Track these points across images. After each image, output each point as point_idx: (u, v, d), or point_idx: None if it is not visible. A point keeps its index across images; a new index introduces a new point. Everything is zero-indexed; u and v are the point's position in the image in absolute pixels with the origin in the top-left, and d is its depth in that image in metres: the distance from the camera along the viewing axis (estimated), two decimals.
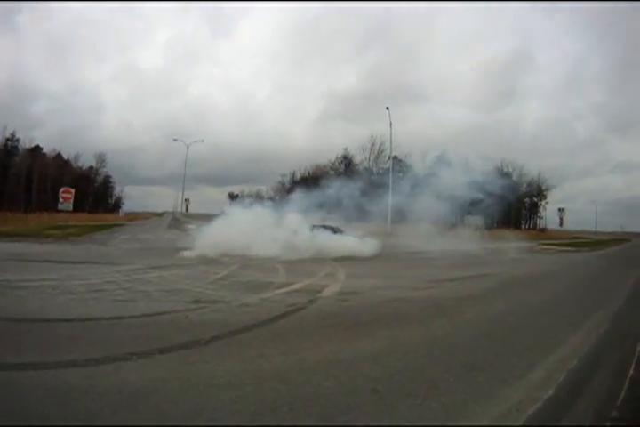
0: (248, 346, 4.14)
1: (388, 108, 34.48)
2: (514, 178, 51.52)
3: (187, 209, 43.54)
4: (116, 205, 67.63)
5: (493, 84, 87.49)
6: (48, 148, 55.67)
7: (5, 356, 3.70)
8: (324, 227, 17.08)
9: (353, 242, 15.91)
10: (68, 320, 5.05)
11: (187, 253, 12.59)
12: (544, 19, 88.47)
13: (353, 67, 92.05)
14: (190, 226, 26.19)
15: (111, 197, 69.09)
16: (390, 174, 35.02)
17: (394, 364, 3.74)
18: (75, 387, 3.12)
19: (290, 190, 36.85)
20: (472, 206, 26.15)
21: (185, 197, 45.65)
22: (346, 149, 60.26)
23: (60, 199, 29.69)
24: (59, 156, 55.75)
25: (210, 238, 14.13)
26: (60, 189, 32.34)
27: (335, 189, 22.30)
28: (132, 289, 7.10)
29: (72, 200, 29.11)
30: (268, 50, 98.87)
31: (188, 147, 41.26)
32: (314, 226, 16.86)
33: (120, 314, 5.40)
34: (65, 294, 6.61)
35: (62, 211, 29.63)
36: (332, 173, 58.18)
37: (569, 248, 23.31)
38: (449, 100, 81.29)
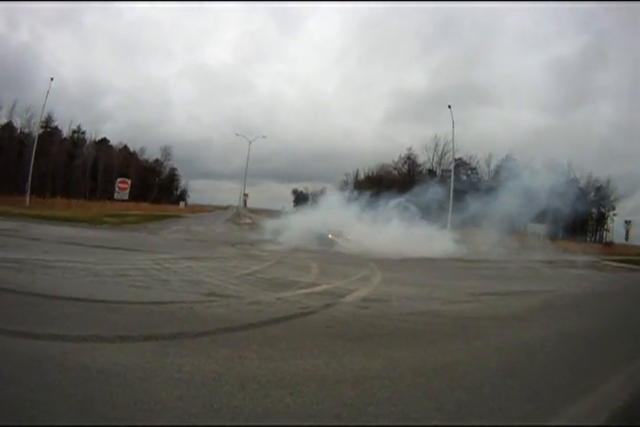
0: (233, 345, 4.09)
1: (449, 107, 33.58)
2: (581, 185, 47.44)
3: (245, 204, 44.93)
4: (181, 198, 71.48)
5: (563, 84, 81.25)
6: (116, 141, 60.45)
7: (7, 323, 4.14)
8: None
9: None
10: (79, 299, 5.43)
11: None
12: (617, 16, 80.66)
13: (420, 66, 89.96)
14: (247, 220, 27.01)
15: (176, 189, 73.22)
16: (452, 176, 34.01)
17: (375, 392, 3.32)
18: (49, 358, 3.41)
19: (354, 189, 37.07)
20: (536, 213, 24.67)
21: (248, 191, 47.24)
22: (409, 148, 59.07)
23: (117, 189, 32.06)
24: (125, 148, 60.37)
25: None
26: (128, 179, 34.65)
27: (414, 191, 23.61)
28: (154, 277, 7.43)
29: (128, 190, 31.37)
30: (334, 47, 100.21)
31: (250, 142, 42.73)
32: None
33: (130, 299, 5.69)
34: (90, 276, 7.13)
35: (118, 200, 31.65)
36: (396, 172, 57.26)
37: (635, 266, 21.14)
38: (516, 101, 76.93)
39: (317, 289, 7.57)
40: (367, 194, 23.92)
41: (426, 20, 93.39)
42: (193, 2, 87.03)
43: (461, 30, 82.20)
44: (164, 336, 4.18)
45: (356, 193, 25.65)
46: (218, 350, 3.93)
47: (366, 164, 64.39)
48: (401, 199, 21.99)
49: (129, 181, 32.34)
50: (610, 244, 45.46)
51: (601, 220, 54.05)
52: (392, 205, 21.37)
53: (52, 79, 31.88)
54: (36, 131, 37.21)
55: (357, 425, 2.74)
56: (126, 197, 31.22)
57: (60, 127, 51.87)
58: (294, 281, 8.11)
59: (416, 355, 4.35)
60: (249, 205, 57.85)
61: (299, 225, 18.63)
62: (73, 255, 9.00)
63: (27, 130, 45.34)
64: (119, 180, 33.13)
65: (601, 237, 54.13)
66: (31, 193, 31.56)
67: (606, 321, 7.23)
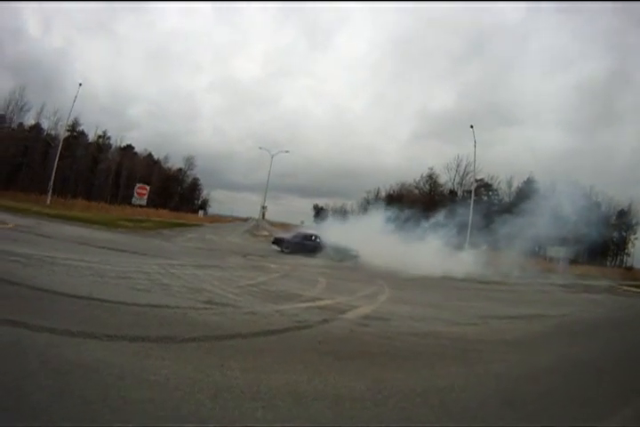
0: (217, 354, 4.10)
1: (472, 127, 33.39)
2: (602, 209, 46.47)
3: (263, 216, 45.28)
4: (202, 207, 72.75)
5: (587, 106, 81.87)
6: (141, 148, 62.85)
7: (5, 314, 4.31)
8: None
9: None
10: (77, 297, 5.61)
11: None
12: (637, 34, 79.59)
13: (447, 85, 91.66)
14: (264, 233, 27.38)
15: (197, 198, 74.91)
16: (472, 197, 33.76)
17: (354, 413, 3.18)
18: (33, 348, 3.58)
19: (374, 206, 37.43)
20: (557, 237, 24.45)
21: (268, 204, 47.72)
22: (431, 168, 59.08)
23: (135, 194, 32.73)
24: (149, 156, 62.72)
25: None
26: (147, 185, 35.43)
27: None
28: (157, 281, 7.57)
29: (146, 196, 31.90)
30: (363, 64, 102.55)
31: (272, 156, 43.29)
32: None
33: (127, 300, 5.81)
34: (94, 275, 7.33)
35: (136, 205, 32.33)
36: (417, 191, 57.11)
37: None
38: (540, 122, 77.22)
39: (319, 304, 7.55)
40: (391, 211, 24.61)
41: (455, 37, 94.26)
42: (225, 14, 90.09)
43: (489, 50, 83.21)
44: (151, 339, 4.26)
45: (381, 209, 26.18)
46: (201, 356, 3.96)
47: (389, 182, 64.73)
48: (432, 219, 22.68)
49: (148, 187, 33.07)
50: (630, 268, 44.31)
51: (622, 244, 53.04)
52: (414, 223, 22.01)
53: (80, 84, 33.14)
54: (62, 133, 38.66)
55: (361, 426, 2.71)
56: (144, 202, 31.87)
57: (86, 132, 54.34)
58: (297, 295, 8.13)
59: (408, 377, 4.18)
60: (269, 217, 58.23)
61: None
62: (81, 255, 9.26)
63: (53, 132, 47.54)
64: (138, 185, 33.94)
65: (621, 261, 53.05)
66: (53, 193, 32.65)
67: (617, 349, 6.95)
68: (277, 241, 20.15)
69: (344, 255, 18.81)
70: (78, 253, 9.40)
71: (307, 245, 19.54)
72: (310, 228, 25.84)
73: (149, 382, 3.21)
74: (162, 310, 5.54)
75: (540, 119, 76.56)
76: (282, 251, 18.96)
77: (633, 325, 10.32)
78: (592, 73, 77.56)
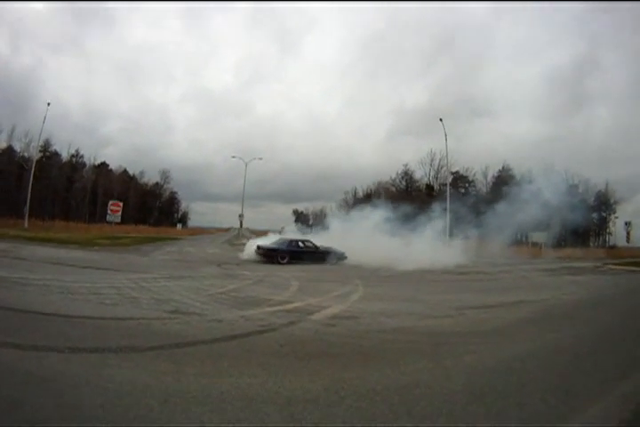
0: (175, 361, 4.20)
1: (441, 120, 34.26)
2: (580, 191, 47.62)
3: (241, 225, 45.16)
4: (182, 220, 72.31)
5: (558, 92, 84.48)
6: (118, 165, 62.40)
7: None
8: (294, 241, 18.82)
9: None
10: (44, 314, 5.76)
11: None
12: (606, 19, 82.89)
13: (420, 82, 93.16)
14: (244, 241, 27.37)
15: (177, 212, 74.21)
16: (447, 189, 34.37)
17: (305, 415, 3.11)
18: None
19: (352, 207, 37.68)
20: (537, 222, 24.90)
21: (247, 213, 47.84)
22: (406, 164, 60.00)
23: (109, 211, 32.37)
24: (125, 172, 62.13)
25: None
26: (120, 202, 35.05)
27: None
28: (125, 295, 7.67)
29: (119, 213, 31.63)
30: (335, 67, 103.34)
31: (246, 164, 43.37)
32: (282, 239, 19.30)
33: (93, 315, 5.93)
34: (64, 293, 7.45)
35: (112, 222, 32.05)
36: (394, 189, 57.68)
37: (636, 268, 20.80)
38: (513, 112, 79.94)
39: (288, 307, 7.58)
40: (370, 210, 24.61)
41: (424, 35, 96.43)
42: (193, 24, 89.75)
43: (458, 45, 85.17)
44: (112, 349, 4.39)
45: (360, 209, 26.26)
46: (158, 364, 4.08)
47: (367, 182, 65.32)
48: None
49: (121, 204, 32.77)
50: (613, 247, 45.28)
51: (603, 224, 54.18)
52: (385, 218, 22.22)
53: (48, 104, 32.91)
54: (35, 155, 38.21)
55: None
56: (119, 219, 31.59)
57: (59, 151, 53.52)
58: (266, 299, 8.19)
59: (369, 376, 4.04)
60: (251, 226, 58.14)
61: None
62: (54, 274, 9.34)
63: (26, 154, 46.77)
64: (111, 202, 33.59)
65: (604, 241, 54.10)
66: (30, 216, 32.16)
67: (599, 333, 6.58)
68: (267, 252, 17.67)
69: (334, 257, 18.46)
70: (51, 273, 9.47)
71: (307, 252, 18.21)
72: (292, 233, 25.44)
73: (104, 389, 3.35)
74: (126, 322, 5.67)
75: (513, 109, 78.90)
76: (277, 262, 16.94)
77: (615, 304, 9.97)
78: (560, 60, 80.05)
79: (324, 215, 62.10)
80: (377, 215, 23.09)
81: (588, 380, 4.08)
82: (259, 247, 18.22)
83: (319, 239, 19.77)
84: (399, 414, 3.17)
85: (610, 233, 54.20)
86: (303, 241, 19.01)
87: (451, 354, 4.89)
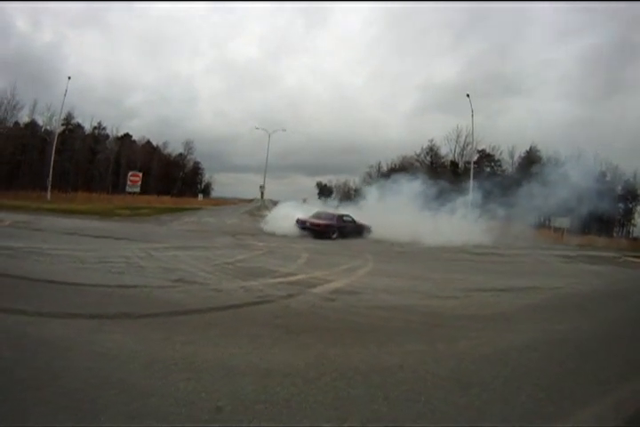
0: (166, 328, 4.31)
1: (468, 96, 32.94)
2: (608, 178, 45.83)
3: (262, 196, 45.46)
4: (205, 191, 72.73)
5: (593, 75, 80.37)
6: (141, 136, 62.57)
7: None
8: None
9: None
10: (52, 282, 5.98)
11: None
12: None
13: (449, 57, 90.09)
14: (265, 213, 27.49)
15: (200, 183, 74.71)
16: (471, 167, 33.61)
17: (277, 390, 3.09)
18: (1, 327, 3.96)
19: (376, 181, 37.28)
20: (561, 207, 24.20)
21: (271, 184, 48.09)
22: (431, 140, 58.30)
23: (128, 182, 32.76)
24: (148, 143, 62.33)
25: None
26: (139, 173, 35.42)
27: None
28: (134, 264, 7.91)
29: (139, 183, 32.02)
30: (362, 40, 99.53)
31: (269, 135, 43.13)
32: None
33: (98, 282, 6.14)
34: (74, 262, 7.69)
35: (133, 192, 32.52)
36: (418, 164, 56.54)
37: None
38: (545, 92, 74.93)
39: (291, 279, 7.61)
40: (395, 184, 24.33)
41: (457, 10, 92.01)
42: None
43: (492, 21, 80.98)
44: (109, 316, 4.58)
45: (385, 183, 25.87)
46: (150, 331, 4.22)
47: (392, 156, 64.30)
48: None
49: (140, 174, 33.15)
50: (636, 239, 43.78)
51: (628, 214, 52.13)
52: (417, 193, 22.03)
53: (69, 78, 32.93)
54: (57, 128, 38.70)
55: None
56: (138, 189, 32.03)
57: (82, 124, 54.03)
58: (272, 271, 8.29)
59: (355, 354, 3.95)
60: (274, 197, 58.33)
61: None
62: (68, 244, 9.64)
63: (49, 127, 47.44)
64: (130, 173, 33.98)
65: (628, 232, 52.22)
66: (53, 188, 32.99)
67: (609, 327, 6.12)
68: (321, 227, 16.98)
69: (367, 232, 18.63)
70: (66, 243, 9.77)
71: (350, 227, 18.11)
72: (312, 205, 25.18)
73: (93, 353, 3.52)
74: (129, 289, 5.86)
75: (545, 89, 75.19)
76: (327, 237, 16.56)
77: (631, 299, 9.23)
78: (598, 42, 75.80)
79: (348, 188, 61.76)
80: (403, 189, 22.89)
81: (584, 380, 3.76)
82: (302, 222, 17.40)
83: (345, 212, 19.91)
84: (375, 397, 3.08)
85: (634, 225, 52.23)
86: (346, 215, 18.71)
87: (446, 338, 4.71)
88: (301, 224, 17.25)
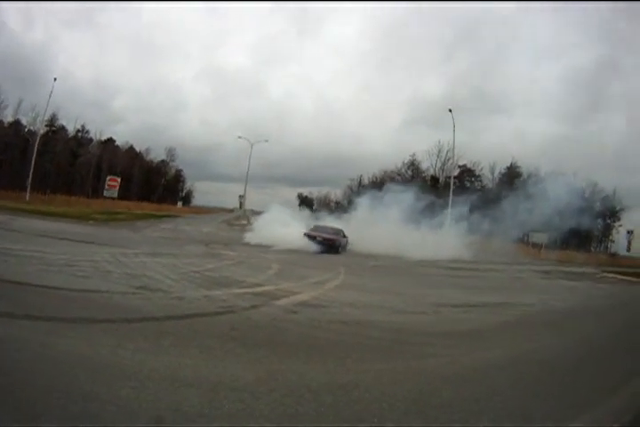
0: (119, 335, 4.25)
1: (450, 111, 33.84)
2: (586, 195, 47.08)
3: (240, 206, 45.42)
4: (186, 199, 72.20)
5: (575, 94, 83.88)
6: (125, 141, 61.88)
7: None
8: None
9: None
10: (16, 283, 5.92)
11: None
12: (633, 23, 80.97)
13: (437, 72, 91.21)
14: (243, 222, 27.29)
15: (182, 190, 74.09)
16: (452, 181, 34.25)
17: (224, 404, 2.94)
18: None
19: (357, 195, 37.64)
20: (539, 222, 24.72)
21: (254, 194, 47.96)
22: (413, 154, 59.37)
23: (106, 186, 32.37)
24: (131, 148, 61.98)
25: None
26: (118, 178, 34.99)
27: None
28: (100, 269, 7.91)
29: (117, 188, 31.65)
30: (353, 51, 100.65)
31: (252, 145, 43.35)
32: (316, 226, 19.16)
33: (60, 285, 6.13)
34: (43, 264, 7.65)
35: (111, 198, 32.15)
36: (399, 178, 57.23)
37: (636, 278, 20.56)
38: (528, 110, 76.75)
39: (257, 290, 7.56)
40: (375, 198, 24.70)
41: (446, 26, 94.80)
42: (211, 3, 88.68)
43: (480, 37, 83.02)
44: (64, 319, 4.61)
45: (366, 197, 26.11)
46: (103, 336, 4.17)
47: (374, 170, 64.94)
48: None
49: (118, 179, 32.67)
50: (614, 255, 44.77)
51: (606, 230, 53.55)
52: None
53: (55, 79, 32.85)
54: (40, 129, 38.39)
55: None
56: (115, 194, 31.52)
57: (66, 126, 53.50)
58: (239, 281, 8.29)
59: (310, 370, 3.82)
60: (255, 207, 58.29)
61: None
62: (38, 246, 9.55)
63: (32, 128, 46.67)
64: (109, 177, 33.54)
65: (606, 247, 53.49)
66: (33, 189, 32.47)
67: (582, 346, 5.91)
68: (330, 242, 17.40)
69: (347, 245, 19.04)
70: (36, 245, 9.68)
71: (345, 242, 18.85)
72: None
73: (39, 355, 3.51)
74: (90, 294, 5.88)
75: (528, 107, 77.09)
76: (335, 252, 17.17)
77: (609, 317, 8.99)
78: (582, 62, 78.85)
79: (329, 200, 61.97)
80: (385, 202, 23.28)
81: (553, 403, 3.51)
82: (313, 236, 17.48)
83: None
84: (324, 416, 2.89)
85: (612, 240, 53.54)
86: (341, 230, 19.32)
87: (408, 355, 4.59)
88: (311, 238, 17.37)
